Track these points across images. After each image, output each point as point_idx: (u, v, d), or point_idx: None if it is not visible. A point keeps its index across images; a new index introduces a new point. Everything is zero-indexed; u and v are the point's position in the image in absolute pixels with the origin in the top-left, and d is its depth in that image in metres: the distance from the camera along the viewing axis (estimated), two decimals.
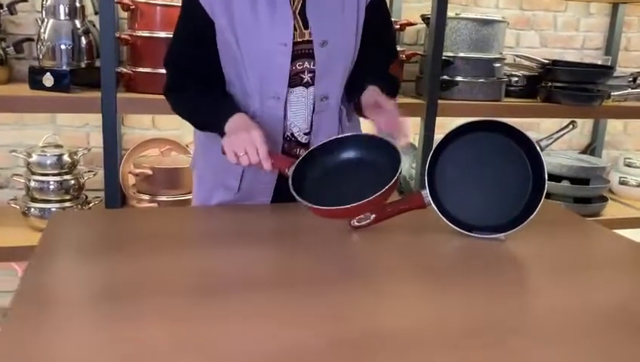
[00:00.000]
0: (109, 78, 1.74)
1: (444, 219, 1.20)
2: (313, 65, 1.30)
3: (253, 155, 1.14)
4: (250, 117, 1.25)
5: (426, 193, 1.21)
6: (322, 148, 1.20)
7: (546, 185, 1.20)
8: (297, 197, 1.02)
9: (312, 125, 1.34)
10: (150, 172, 1.95)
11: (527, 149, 1.23)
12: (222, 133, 1.23)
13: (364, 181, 1.10)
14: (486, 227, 1.21)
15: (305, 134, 1.35)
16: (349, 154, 1.17)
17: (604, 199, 2.52)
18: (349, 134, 1.22)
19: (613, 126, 2.91)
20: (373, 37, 1.36)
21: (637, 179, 2.74)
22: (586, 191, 2.45)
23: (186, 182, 2.01)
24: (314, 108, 1.33)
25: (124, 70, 1.84)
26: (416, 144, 2.47)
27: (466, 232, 1.20)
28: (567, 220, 1.40)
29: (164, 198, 1.96)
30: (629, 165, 2.79)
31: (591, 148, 2.83)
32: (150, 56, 1.85)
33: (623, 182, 2.77)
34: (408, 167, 2.36)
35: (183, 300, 0.87)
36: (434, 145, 1.24)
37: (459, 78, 2.14)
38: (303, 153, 1.34)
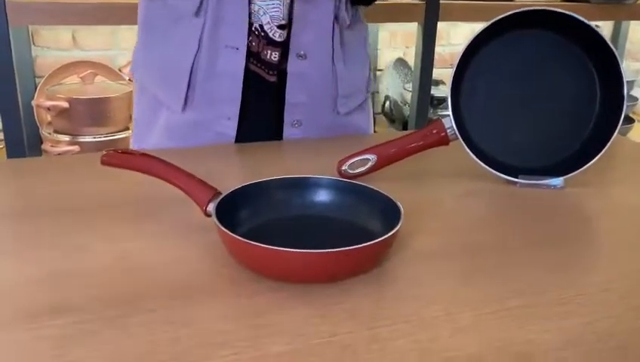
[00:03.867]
0: None
1: (477, 160, 0.85)
2: None
3: None
4: None
5: (449, 123, 0.85)
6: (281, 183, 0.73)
7: (625, 106, 0.85)
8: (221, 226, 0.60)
9: (291, 15, 0.93)
10: (66, 104, 1.54)
11: (595, 54, 0.87)
12: None
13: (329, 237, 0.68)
14: (536, 169, 0.87)
15: (280, 28, 0.93)
16: (320, 198, 0.72)
17: (630, 120, 2.20)
18: (329, 178, 0.73)
19: (634, 32, 2.56)
20: None
21: None
22: None
23: (116, 117, 1.61)
24: None
25: None
26: (410, 60, 2.09)
27: (508, 178, 0.86)
28: None
29: (88, 139, 1.57)
30: None
31: None
32: None
33: None
34: (399, 89, 1.99)
35: None
36: (460, 52, 0.86)
37: None
38: (275, 58, 0.94)
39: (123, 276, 0.59)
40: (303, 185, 0.73)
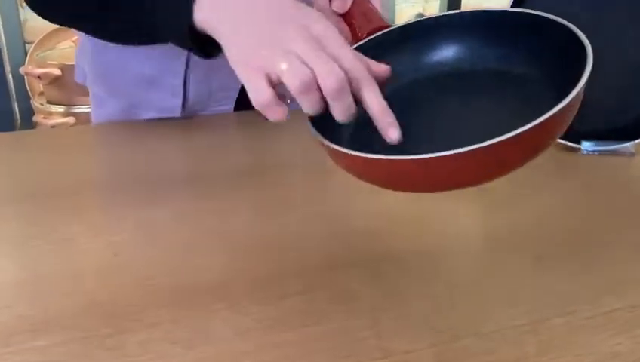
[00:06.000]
0: None
1: None
2: None
3: (336, 76, 0.42)
4: None
5: None
6: (397, 34, 0.52)
7: None
8: (322, 139, 0.43)
9: None
10: (58, 72, 1.42)
11: None
12: (185, 41, 0.54)
13: (492, 109, 0.47)
14: (602, 133, 0.75)
15: None
16: (457, 52, 0.51)
17: None
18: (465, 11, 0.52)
19: None
20: None
21: None
22: None
23: None
24: None
25: None
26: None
27: (570, 144, 0.74)
28: None
29: (83, 109, 1.46)
30: None
31: None
32: None
33: None
34: None
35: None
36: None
37: None
38: None
39: (118, 278, 0.49)
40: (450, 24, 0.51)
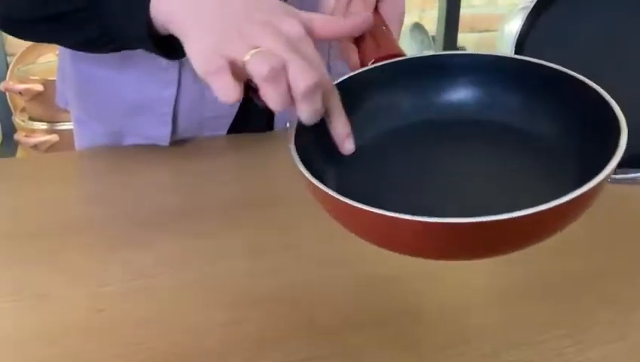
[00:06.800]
0: None
1: None
2: None
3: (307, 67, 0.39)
4: None
5: None
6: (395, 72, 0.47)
7: None
8: (310, 178, 0.37)
9: None
10: (40, 87, 1.37)
11: None
12: (143, 37, 0.49)
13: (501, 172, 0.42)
14: (622, 160, 0.71)
15: None
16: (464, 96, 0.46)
17: None
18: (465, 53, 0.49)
19: None
20: None
21: None
22: None
23: None
24: None
25: None
26: (427, 25, 1.92)
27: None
28: None
29: (67, 126, 1.40)
30: None
31: None
32: None
33: None
34: None
35: None
36: (526, 12, 0.70)
37: None
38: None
39: (98, 341, 0.44)
40: (443, 66, 0.46)
